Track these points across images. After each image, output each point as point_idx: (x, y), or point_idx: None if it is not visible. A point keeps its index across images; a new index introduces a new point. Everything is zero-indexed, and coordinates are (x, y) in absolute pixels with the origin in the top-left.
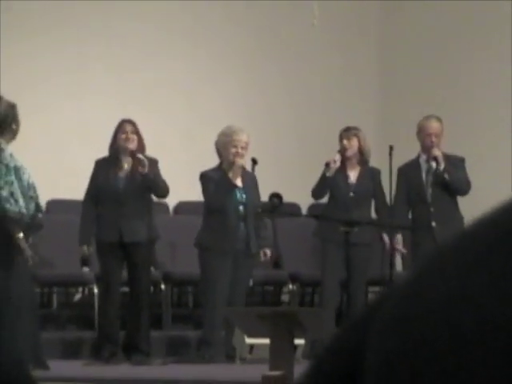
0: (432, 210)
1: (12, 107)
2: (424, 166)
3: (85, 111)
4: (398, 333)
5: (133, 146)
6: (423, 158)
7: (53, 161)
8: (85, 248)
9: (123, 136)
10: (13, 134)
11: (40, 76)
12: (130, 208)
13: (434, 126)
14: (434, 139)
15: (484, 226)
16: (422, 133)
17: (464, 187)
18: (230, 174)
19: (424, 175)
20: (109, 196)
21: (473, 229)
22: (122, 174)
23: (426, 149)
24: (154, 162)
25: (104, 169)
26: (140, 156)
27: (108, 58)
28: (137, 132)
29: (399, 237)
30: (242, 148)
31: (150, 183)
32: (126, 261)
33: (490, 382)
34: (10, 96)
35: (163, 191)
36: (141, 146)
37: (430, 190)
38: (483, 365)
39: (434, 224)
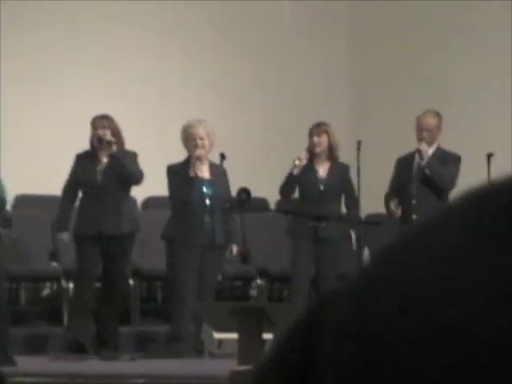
0: (414, 202)
1: None
2: (417, 160)
3: (58, 108)
4: (355, 339)
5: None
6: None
7: (23, 156)
8: (63, 235)
9: (95, 133)
10: None
11: (21, 73)
12: (109, 201)
13: (427, 121)
14: (424, 134)
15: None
16: (416, 126)
17: (445, 184)
18: (190, 168)
19: (414, 169)
20: (88, 190)
21: (429, 222)
22: (99, 168)
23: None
24: (132, 155)
25: (83, 163)
26: (107, 138)
27: (80, 55)
28: (109, 126)
29: (394, 202)
30: (201, 139)
31: (119, 163)
32: (102, 255)
33: None
34: None
35: (134, 175)
36: (118, 140)
37: (415, 184)
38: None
39: (414, 217)
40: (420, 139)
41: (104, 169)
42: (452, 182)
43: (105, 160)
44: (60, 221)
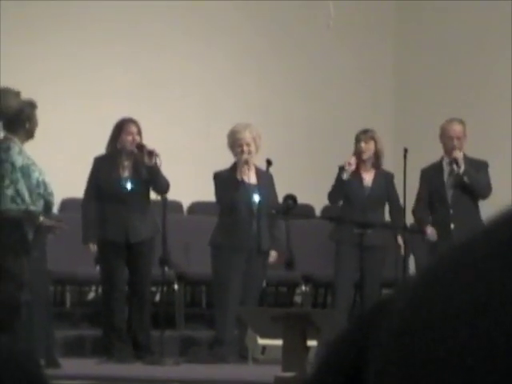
0: (451, 211)
1: (30, 106)
2: (446, 169)
3: (101, 111)
4: (402, 348)
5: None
6: (446, 160)
7: (69, 159)
8: (91, 246)
9: (129, 138)
10: (27, 134)
11: (56, 76)
12: (136, 208)
13: (455, 128)
14: (455, 142)
15: (491, 235)
16: (444, 135)
17: (484, 191)
18: (238, 172)
19: (446, 177)
20: (114, 197)
21: (478, 237)
22: (125, 174)
23: (448, 151)
24: None
25: (105, 168)
26: (150, 148)
27: (123, 57)
28: (140, 132)
29: (431, 229)
30: (247, 145)
31: (155, 176)
32: (128, 261)
33: None
34: (26, 95)
35: (164, 186)
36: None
37: (450, 192)
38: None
39: (452, 226)
40: (452, 147)
41: (131, 175)
42: (488, 188)
43: (129, 165)
44: (86, 232)
